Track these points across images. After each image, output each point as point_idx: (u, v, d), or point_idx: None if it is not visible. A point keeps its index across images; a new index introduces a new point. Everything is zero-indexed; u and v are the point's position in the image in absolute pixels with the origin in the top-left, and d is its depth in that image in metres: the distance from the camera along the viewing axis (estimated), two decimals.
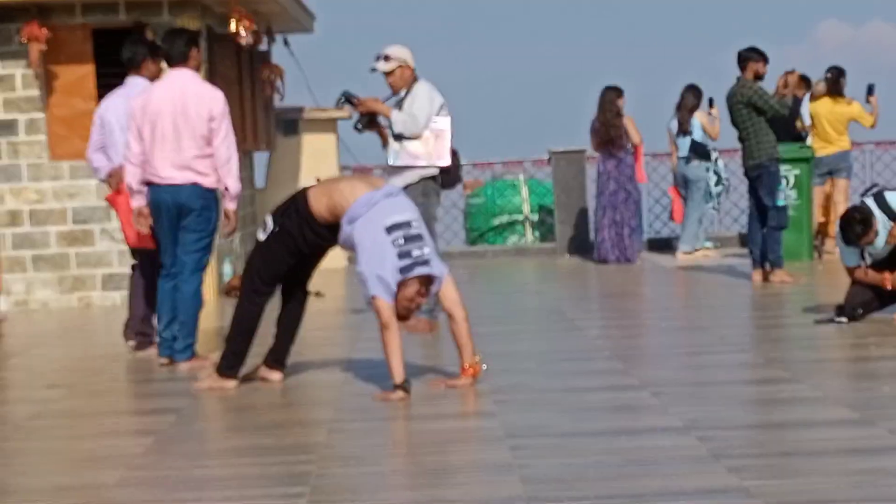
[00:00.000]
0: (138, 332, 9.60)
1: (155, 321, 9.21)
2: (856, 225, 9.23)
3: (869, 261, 9.44)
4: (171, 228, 8.67)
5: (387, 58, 9.87)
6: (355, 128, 10.11)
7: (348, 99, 9.96)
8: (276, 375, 7.96)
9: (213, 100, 8.59)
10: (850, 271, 9.51)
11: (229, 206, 8.67)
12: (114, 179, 9.35)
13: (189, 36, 8.91)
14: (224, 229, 8.97)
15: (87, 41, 13.62)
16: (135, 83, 9.37)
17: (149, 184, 8.60)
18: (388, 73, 9.88)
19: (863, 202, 9.52)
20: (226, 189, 8.60)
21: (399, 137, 9.83)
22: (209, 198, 8.65)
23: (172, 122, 8.52)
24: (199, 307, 8.72)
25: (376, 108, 9.89)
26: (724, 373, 7.67)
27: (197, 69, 8.84)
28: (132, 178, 8.62)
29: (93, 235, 13.76)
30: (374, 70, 9.91)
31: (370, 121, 9.99)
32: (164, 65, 9.24)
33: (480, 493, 5.15)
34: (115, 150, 9.23)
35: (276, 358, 8.00)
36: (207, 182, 8.59)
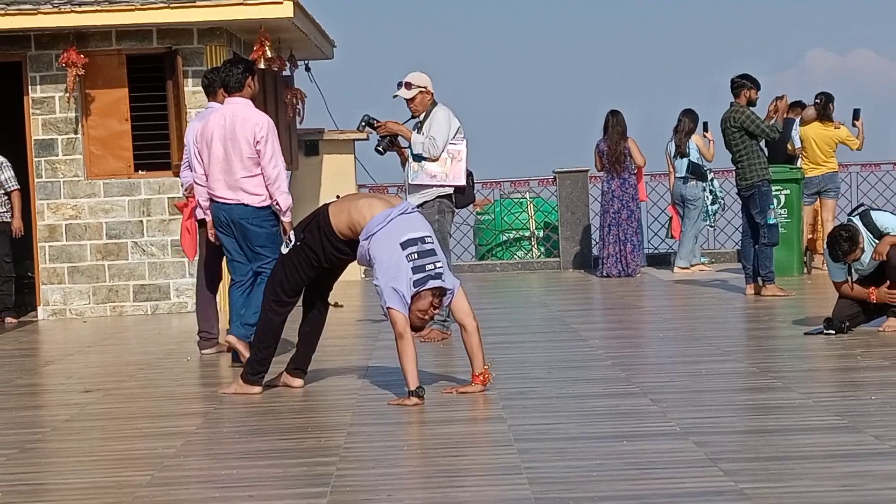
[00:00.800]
0: (201, 330, 9.79)
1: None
2: (843, 242, 9.21)
3: (855, 276, 9.42)
4: (234, 242, 8.80)
5: (408, 85, 9.90)
6: (377, 150, 10.14)
7: (369, 122, 10.02)
8: (297, 382, 7.95)
9: (257, 125, 8.66)
10: (838, 286, 9.49)
11: (284, 220, 8.74)
12: (188, 193, 9.61)
13: (246, 65, 8.99)
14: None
15: (121, 66, 13.67)
16: (211, 107, 9.45)
17: (212, 201, 8.81)
18: (409, 100, 9.90)
19: (849, 221, 9.50)
20: (277, 204, 8.69)
21: (418, 158, 9.86)
22: (262, 215, 8.73)
23: (223, 145, 8.67)
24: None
25: (397, 129, 9.95)
26: (719, 381, 7.65)
27: (252, 97, 8.92)
28: (199, 195, 8.93)
29: (126, 249, 13.78)
30: (396, 97, 9.94)
31: (391, 142, 10.03)
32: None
33: (490, 493, 5.14)
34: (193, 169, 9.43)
35: (298, 365, 7.99)
36: (256, 201, 8.69)
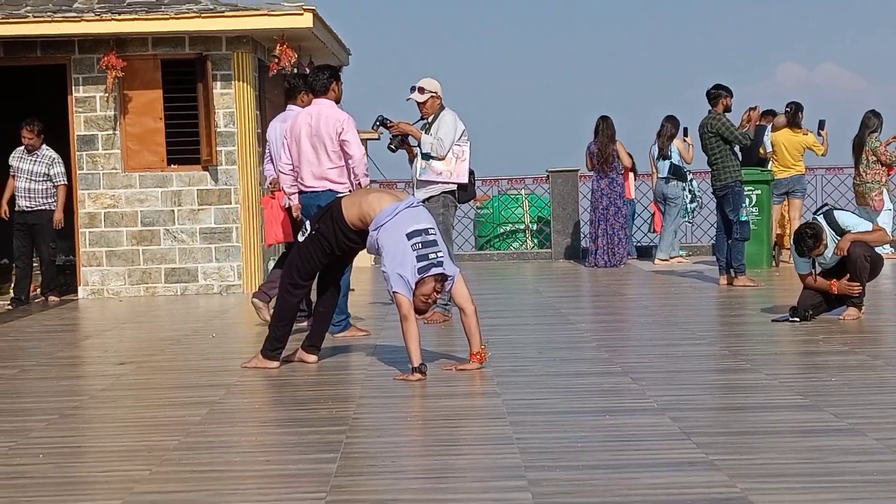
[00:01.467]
0: (264, 291, 9.79)
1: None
2: (808, 239, 9.21)
3: (819, 269, 9.42)
4: None
5: (421, 89, 9.93)
6: (389, 147, 10.14)
7: (383, 122, 10.02)
8: (312, 358, 7.95)
9: (338, 121, 8.96)
10: (803, 278, 9.49)
11: None
12: (272, 186, 9.87)
13: (332, 72, 9.22)
14: None
15: (157, 70, 13.66)
16: (291, 109, 9.82)
17: (300, 192, 9.05)
18: (421, 103, 9.92)
19: (814, 219, 9.49)
20: (359, 184, 8.94)
21: (426, 156, 9.87)
22: None
23: (310, 141, 8.95)
24: (347, 291, 8.99)
25: (408, 130, 9.97)
26: (694, 362, 7.65)
27: (337, 100, 9.16)
28: (285, 183, 9.13)
29: (159, 236, 13.78)
30: (409, 99, 9.95)
31: (402, 141, 10.04)
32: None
33: (485, 461, 5.15)
34: (274, 163, 9.70)
35: (312, 343, 7.99)
36: (341, 189, 8.89)
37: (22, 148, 13.23)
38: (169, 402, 6.85)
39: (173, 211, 13.76)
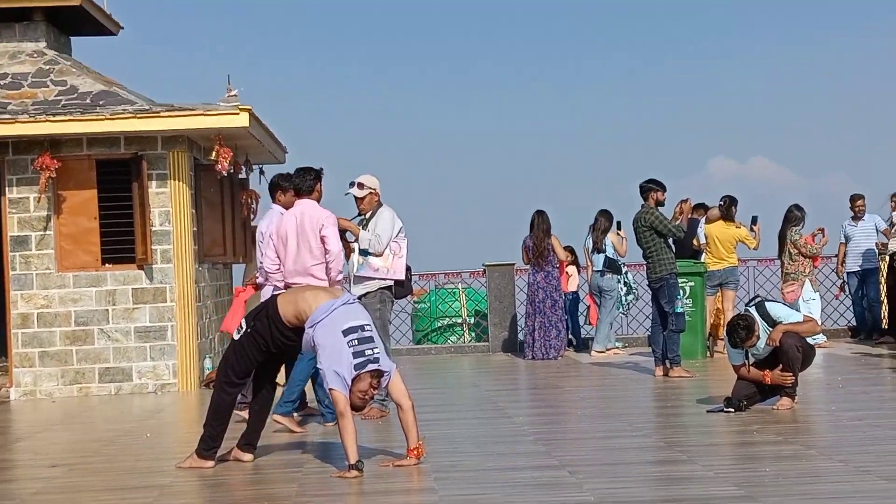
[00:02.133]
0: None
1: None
2: (741, 331, 9.30)
3: (752, 360, 9.50)
4: None
5: (361, 185, 10.02)
6: None
7: None
8: (247, 457, 7.87)
9: (321, 217, 9.29)
10: (736, 369, 9.56)
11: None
12: (247, 278, 10.41)
13: (315, 174, 9.53)
14: None
15: (91, 169, 13.62)
16: (273, 208, 10.31)
17: (286, 286, 9.18)
18: (359, 199, 10.00)
19: (746, 311, 9.59)
20: (332, 280, 9.25)
21: (364, 252, 9.91)
22: None
23: (296, 239, 9.25)
24: (305, 379, 9.53)
25: (347, 226, 10.01)
26: (631, 454, 7.66)
27: (318, 199, 9.52)
28: (275, 280, 9.34)
29: (93, 335, 13.63)
30: (348, 194, 10.03)
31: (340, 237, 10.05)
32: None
33: None
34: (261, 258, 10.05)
35: (248, 441, 7.92)
36: (323, 284, 9.09)
37: None
38: None
39: (107, 310, 13.63)
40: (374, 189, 10.04)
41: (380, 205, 10.05)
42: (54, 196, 13.52)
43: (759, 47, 52.08)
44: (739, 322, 9.34)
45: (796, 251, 15.67)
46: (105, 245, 13.64)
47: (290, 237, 9.26)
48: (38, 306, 13.62)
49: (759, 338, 9.33)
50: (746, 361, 9.47)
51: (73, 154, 13.54)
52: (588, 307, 16.96)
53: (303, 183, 9.41)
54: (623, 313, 16.85)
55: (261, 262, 9.75)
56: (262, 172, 16.65)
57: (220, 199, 14.98)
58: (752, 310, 9.48)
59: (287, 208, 9.90)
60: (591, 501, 6.04)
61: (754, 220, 15.52)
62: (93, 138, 13.54)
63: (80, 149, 13.58)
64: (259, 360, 7.60)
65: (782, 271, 15.87)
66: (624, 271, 16.27)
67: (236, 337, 7.60)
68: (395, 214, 10.04)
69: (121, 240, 13.61)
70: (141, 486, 7.27)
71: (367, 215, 10.03)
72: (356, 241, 9.99)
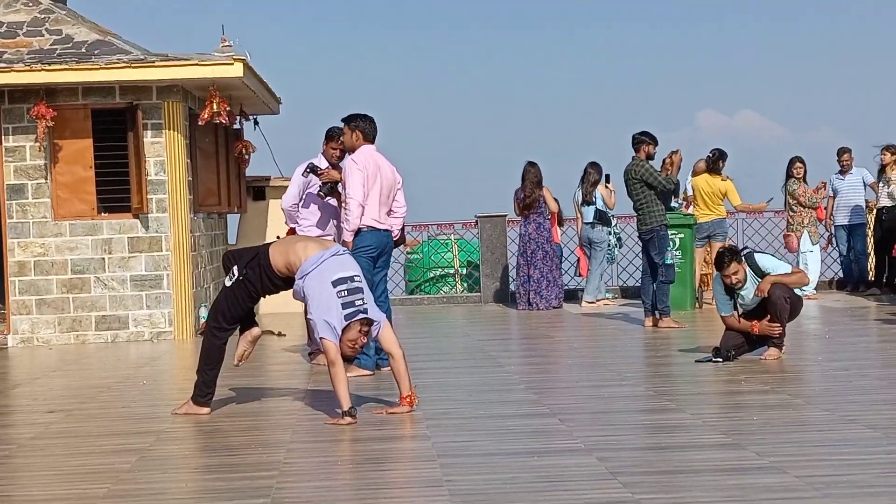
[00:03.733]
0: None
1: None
2: (725, 257, 9.35)
3: (741, 311, 9.51)
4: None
5: None
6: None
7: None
8: (256, 330, 7.85)
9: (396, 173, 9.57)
10: (725, 319, 9.58)
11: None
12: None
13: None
14: None
15: (87, 119, 13.54)
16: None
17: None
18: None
19: None
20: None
21: None
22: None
23: (385, 182, 9.48)
24: None
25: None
26: (620, 403, 7.68)
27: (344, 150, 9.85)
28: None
29: (89, 283, 13.62)
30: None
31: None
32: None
33: None
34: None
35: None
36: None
37: None
38: (99, 450, 6.75)
39: (104, 259, 13.61)
40: None
41: None
42: (50, 145, 13.46)
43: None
44: (724, 251, 9.44)
45: (795, 202, 15.72)
46: (101, 194, 13.60)
47: (378, 179, 9.35)
48: (34, 254, 13.59)
49: (746, 277, 9.34)
50: (735, 312, 9.49)
51: (69, 103, 13.46)
52: (578, 259, 16.97)
53: (371, 130, 9.48)
54: (610, 263, 16.87)
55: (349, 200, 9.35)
56: (256, 123, 16.61)
57: (215, 149, 14.93)
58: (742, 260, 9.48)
59: (336, 158, 10.09)
60: (582, 448, 6.07)
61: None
62: (88, 88, 13.46)
63: (75, 98, 13.50)
64: (250, 306, 7.64)
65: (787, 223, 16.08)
66: (613, 223, 16.28)
67: (227, 283, 7.59)
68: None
69: (116, 189, 13.56)
70: (137, 431, 7.29)
71: None
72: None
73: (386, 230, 9.47)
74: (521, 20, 53.30)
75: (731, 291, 9.44)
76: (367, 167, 9.32)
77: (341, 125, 9.59)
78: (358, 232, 9.31)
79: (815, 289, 16.06)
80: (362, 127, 9.45)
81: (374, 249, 9.37)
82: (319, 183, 10.01)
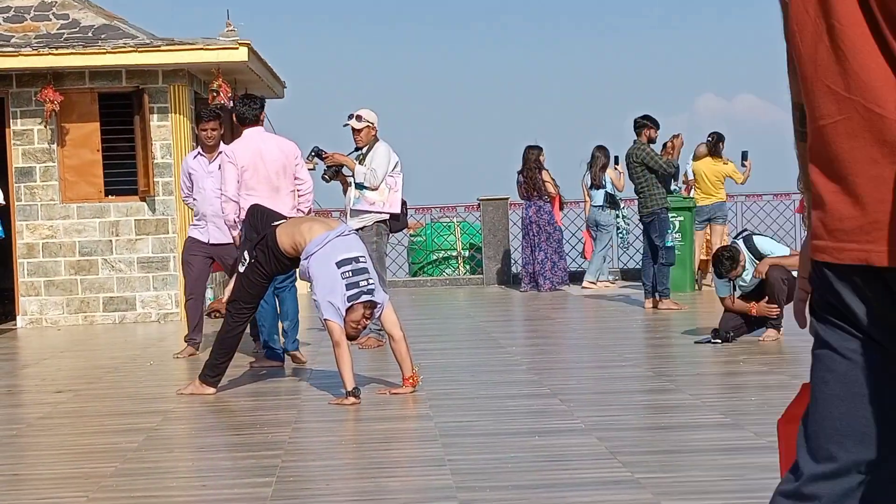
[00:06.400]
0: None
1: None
2: (724, 261, 9.32)
3: (739, 292, 9.52)
4: None
5: (359, 118, 9.94)
6: (323, 178, 10.11)
7: (318, 154, 9.99)
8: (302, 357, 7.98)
9: (293, 148, 9.09)
10: (723, 301, 9.58)
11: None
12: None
13: (260, 102, 9.16)
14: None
15: (94, 103, 13.55)
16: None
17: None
18: (357, 131, 9.93)
19: (733, 243, 9.60)
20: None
21: (360, 186, 9.86)
22: None
23: (264, 165, 8.94)
24: (297, 318, 9.34)
25: (343, 161, 9.94)
26: (620, 383, 7.69)
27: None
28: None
29: (97, 265, 13.64)
30: (346, 125, 9.95)
31: (336, 172, 10.01)
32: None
33: (417, 483, 5.14)
34: None
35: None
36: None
37: None
38: (106, 430, 6.76)
39: (111, 241, 13.62)
40: (372, 123, 9.98)
41: (376, 140, 10.00)
42: (57, 128, 13.46)
43: None
44: (724, 253, 9.36)
45: None
46: (108, 177, 13.61)
47: (260, 165, 8.84)
48: (43, 237, 13.60)
49: (744, 268, 9.34)
50: (733, 293, 9.49)
51: (76, 87, 13.46)
52: (584, 241, 16.98)
53: (249, 111, 8.97)
54: (624, 248, 16.89)
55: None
56: None
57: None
58: (740, 243, 9.49)
59: (202, 142, 9.79)
60: (582, 428, 6.07)
61: (745, 156, 15.47)
62: (95, 72, 13.46)
63: (82, 82, 13.50)
64: (265, 285, 7.70)
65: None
66: (622, 206, 16.29)
67: (241, 269, 7.62)
68: (391, 150, 9.99)
69: (123, 172, 13.57)
70: (144, 411, 7.30)
71: (364, 150, 9.98)
72: (352, 175, 9.94)
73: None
74: (526, 8, 53.27)
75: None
76: (242, 157, 8.85)
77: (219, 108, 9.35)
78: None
79: None
80: (239, 111, 9.01)
81: None
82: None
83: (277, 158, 8.93)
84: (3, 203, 13.09)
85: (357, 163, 9.90)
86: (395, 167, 9.95)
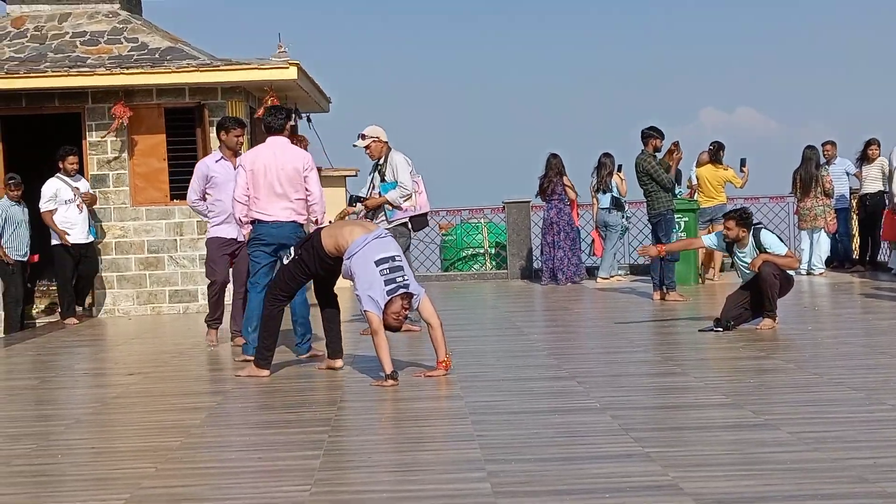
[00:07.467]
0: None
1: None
2: (730, 214, 9.57)
3: (740, 277, 9.56)
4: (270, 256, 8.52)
5: (362, 136, 10.06)
6: (350, 204, 10.61)
7: (358, 199, 10.27)
8: (338, 363, 7.88)
9: (305, 157, 8.52)
10: (693, 240, 9.72)
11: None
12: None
13: (287, 113, 8.69)
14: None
15: (160, 117, 13.63)
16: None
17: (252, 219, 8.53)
18: (366, 147, 10.08)
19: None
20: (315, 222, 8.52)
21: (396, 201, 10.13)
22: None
23: (275, 173, 8.41)
24: (308, 313, 8.80)
25: (379, 202, 10.14)
26: (631, 367, 7.67)
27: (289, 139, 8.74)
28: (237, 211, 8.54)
29: (163, 262, 13.71)
30: (355, 146, 10.11)
31: (359, 198, 10.39)
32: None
33: (450, 456, 5.13)
34: None
35: (334, 349, 7.92)
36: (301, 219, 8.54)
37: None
38: (172, 408, 6.80)
39: (176, 240, 13.70)
40: (377, 137, 10.06)
41: (389, 150, 10.06)
42: (128, 140, 13.55)
43: None
44: (733, 211, 9.67)
45: (820, 189, 15.36)
46: (173, 183, 13.69)
47: (265, 171, 8.35)
48: (115, 236, 13.69)
49: (745, 244, 9.47)
50: (714, 249, 9.61)
51: (145, 103, 13.54)
52: (593, 240, 16.94)
53: (274, 121, 8.48)
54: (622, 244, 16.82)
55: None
56: (309, 120, 16.64)
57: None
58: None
59: (230, 147, 9.51)
60: (597, 407, 6.06)
61: (743, 162, 15.39)
62: (161, 89, 13.53)
63: (150, 98, 13.57)
64: (304, 281, 7.69)
65: (804, 207, 15.52)
66: (626, 209, 16.26)
67: (285, 262, 7.66)
68: (405, 156, 10.06)
69: (186, 178, 13.58)
70: (207, 391, 7.34)
71: (380, 161, 10.08)
72: (392, 205, 10.13)
73: (277, 221, 8.38)
74: (547, 29, 53.16)
75: (730, 244, 9.55)
76: (250, 162, 8.41)
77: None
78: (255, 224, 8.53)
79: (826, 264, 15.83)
80: (266, 120, 8.59)
81: (264, 239, 8.42)
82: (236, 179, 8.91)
83: (285, 167, 8.39)
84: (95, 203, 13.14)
85: (381, 185, 10.08)
86: (411, 171, 10.11)
